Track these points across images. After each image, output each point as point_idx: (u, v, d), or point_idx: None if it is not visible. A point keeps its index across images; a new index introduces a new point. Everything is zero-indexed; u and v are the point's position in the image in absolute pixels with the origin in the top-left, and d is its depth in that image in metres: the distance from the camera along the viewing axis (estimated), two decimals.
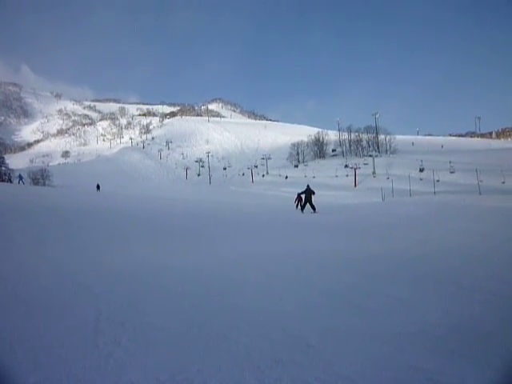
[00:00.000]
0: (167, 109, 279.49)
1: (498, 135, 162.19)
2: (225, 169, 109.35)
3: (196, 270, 8.74)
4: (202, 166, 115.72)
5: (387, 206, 29.24)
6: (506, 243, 11.87)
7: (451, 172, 45.86)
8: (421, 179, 41.59)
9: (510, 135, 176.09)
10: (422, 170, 50.07)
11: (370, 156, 67.76)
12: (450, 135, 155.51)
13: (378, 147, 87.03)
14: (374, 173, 61.69)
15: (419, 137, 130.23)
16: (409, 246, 12.56)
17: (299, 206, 25.60)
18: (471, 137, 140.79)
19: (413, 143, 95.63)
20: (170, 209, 26.86)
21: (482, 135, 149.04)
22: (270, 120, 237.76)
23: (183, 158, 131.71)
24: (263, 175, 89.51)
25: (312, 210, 22.95)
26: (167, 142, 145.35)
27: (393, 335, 4.82)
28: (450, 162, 48.66)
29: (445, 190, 35.37)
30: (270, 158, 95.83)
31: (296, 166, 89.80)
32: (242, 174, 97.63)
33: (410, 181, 36.57)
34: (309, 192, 23.72)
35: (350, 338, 4.76)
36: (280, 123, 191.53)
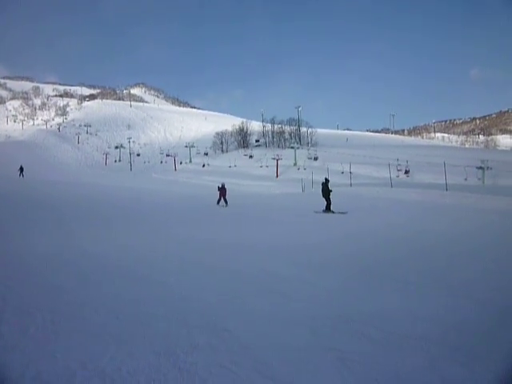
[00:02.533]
0: (86, 91, 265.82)
1: (410, 133, 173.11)
2: (143, 157, 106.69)
3: (120, 258, 8.54)
4: (124, 148, 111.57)
5: (306, 197, 30.16)
6: (416, 234, 12.79)
7: (364, 165, 48.14)
8: (342, 173, 43.18)
9: (420, 133, 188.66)
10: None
11: (292, 148, 69.34)
12: (367, 131, 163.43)
13: (300, 139, 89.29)
14: (295, 164, 63.34)
15: (339, 131, 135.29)
16: (322, 235, 13.12)
17: (222, 201, 22.18)
18: (386, 133, 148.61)
19: (347, 139, 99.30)
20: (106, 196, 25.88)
21: (396, 132, 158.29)
22: (195, 107, 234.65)
23: (103, 143, 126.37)
24: (186, 163, 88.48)
25: (326, 209, 19.41)
26: (86, 126, 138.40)
27: (308, 318, 5.03)
28: (365, 156, 51.39)
29: (360, 183, 37.13)
30: (193, 146, 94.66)
31: (220, 154, 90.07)
32: (165, 161, 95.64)
33: (329, 173, 37.96)
34: (325, 188, 19.80)
35: (267, 322, 4.91)
36: (205, 111, 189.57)
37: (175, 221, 16.12)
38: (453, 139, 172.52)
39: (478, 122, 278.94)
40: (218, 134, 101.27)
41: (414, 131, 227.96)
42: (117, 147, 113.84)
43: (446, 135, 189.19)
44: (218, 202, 22.20)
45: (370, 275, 7.48)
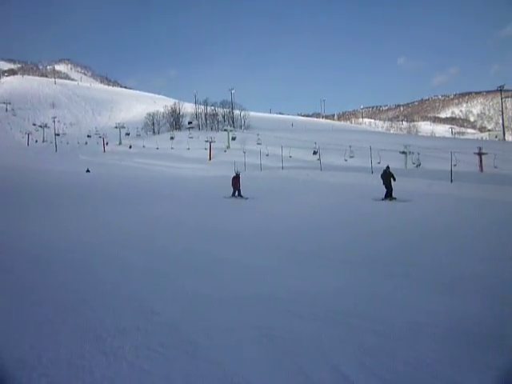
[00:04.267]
0: (5, 65, 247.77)
1: (340, 117, 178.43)
2: (70, 137, 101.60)
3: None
4: (48, 128, 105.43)
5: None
6: (340, 216, 13.32)
7: (293, 149, 48.90)
8: (267, 155, 43.47)
9: (349, 118, 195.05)
10: (315, 153, 51.84)
11: (225, 130, 69.12)
12: (299, 115, 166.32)
13: (233, 122, 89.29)
14: (228, 147, 63.25)
15: (272, 115, 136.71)
16: (259, 218, 13.33)
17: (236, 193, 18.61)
18: (317, 117, 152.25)
19: (292, 124, 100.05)
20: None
21: (326, 116, 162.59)
22: (126, 87, 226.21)
23: (24, 123, 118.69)
24: (116, 145, 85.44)
25: (386, 196, 17.72)
26: (5, 104, 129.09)
27: (238, 299, 5.11)
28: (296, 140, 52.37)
29: (292, 166, 37.82)
30: (123, 127, 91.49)
31: (152, 136, 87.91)
32: (96, 142, 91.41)
33: (261, 156, 38.30)
34: (388, 176, 17.99)
35: (197, 304, 4.93)
36: (136, 91, 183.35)
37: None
38: (379, 125, 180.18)
39: (402, 109, 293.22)
40: (149, 114, 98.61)
41: (344, 116, 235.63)
42: (40, 127, 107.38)
43: (372, 121, 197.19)
44: (234, 194, 18.41)
45: (299, 255, 7.72)
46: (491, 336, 4.11)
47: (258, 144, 53.52)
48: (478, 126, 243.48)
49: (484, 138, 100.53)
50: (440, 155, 33.24)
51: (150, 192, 21.54)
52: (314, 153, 47.49)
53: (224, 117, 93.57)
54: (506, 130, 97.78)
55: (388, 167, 18.63)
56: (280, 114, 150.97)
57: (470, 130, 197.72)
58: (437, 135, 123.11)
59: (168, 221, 12.14)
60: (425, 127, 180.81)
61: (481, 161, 37.39)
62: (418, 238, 9.82)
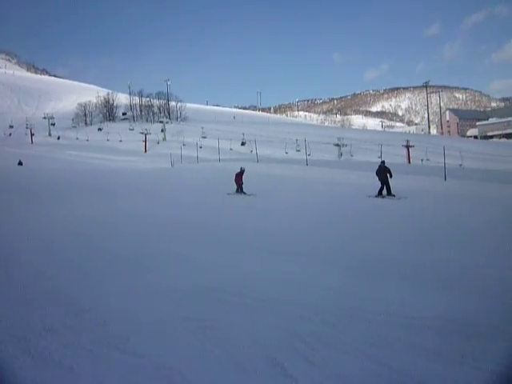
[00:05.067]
0: None
1: (276, 110, 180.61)
2: None
3: None
4: None
5: (176, 172, 29.93)
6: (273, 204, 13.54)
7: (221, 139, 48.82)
8: (200, 147, 42.85)
9: (284, 111, 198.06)
10: (243, 144, 51.73)
11: (161, 122, 67.77)
12: (236, 107, 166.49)
13: (169, 114, 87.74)
14: (164, 139, 62.09)
15: (209, 107, 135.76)
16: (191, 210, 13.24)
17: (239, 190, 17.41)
18: (253, 110, 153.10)
19: (234, 117, 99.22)
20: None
21: (263, 109, 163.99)
22: (55, 76, 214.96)
23: None
24: (45, 136, 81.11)
25: (380, 193, 16.34)
26: None
27: (169, 291, 5.05)
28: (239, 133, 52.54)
29: (230, 158, 37.82)
30: (52, 118, 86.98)
31: (84, 127, 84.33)
32: (25, 133, 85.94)
33: (198, 148, 38.05)
34: (384, 171, 16.60)
35: (128, 298, 4.82)
36: (66, 80, 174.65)
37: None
38: (314, 118, 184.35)
39: (335, 102, 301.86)
40: (80, 105, 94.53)
41: (280, 109, 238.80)
42: None
43: (308, 114, 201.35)
44: (238, 191, 17.30)
45: (233, 245, 7.77)
46: (415, 318, 4.36)
47: (203, 137, 52.95)
48: (406, 119, 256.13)
49: (411, 132, 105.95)
50: (371, 147, 34.68)
51: (97, 185, 20.69)
52: (242, 144, 47.96)
53: (160, 108, 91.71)
54: (430, 123, 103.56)
55: (383, 162, 17.39)
56: (217, 105, 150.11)
57: (398, 124, 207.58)
58: (368, 128, 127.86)
59: (108, 217, 11.75)
60: (357, 120, 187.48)
61: (408, 153, 39.37)
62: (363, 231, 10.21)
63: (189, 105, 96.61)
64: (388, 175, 16.41)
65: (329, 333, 3.95)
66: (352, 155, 39.67)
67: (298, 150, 41.14)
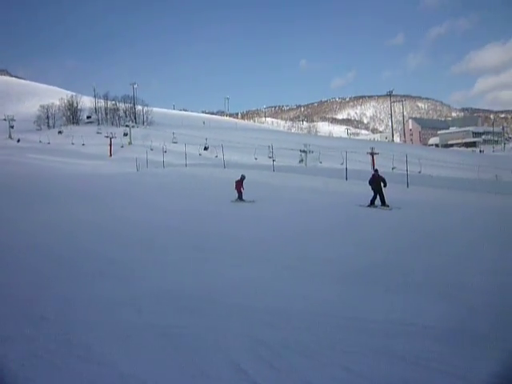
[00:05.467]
0: None
1: (243, 116, 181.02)
2: None
3: None
4: None
5: (141, 177, 29.52)
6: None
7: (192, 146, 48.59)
8: (165, 151, 42.24)
9: (252, 117, 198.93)
10: (206, 148, 51.44)
11: (127, 126, 66.81)
12: (203, 112, 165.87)
13: (136, 118, 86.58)
14: (130, 143, 61.20)
15: (175, 111, 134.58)
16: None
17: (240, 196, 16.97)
18: (221, 115, 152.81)
19: (204, 122, 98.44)
20: None
21: (230, 115, 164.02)
22: (16, 77, 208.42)
23: None
24: (6, 139, 78.40)
25: (372, 203, 15.43)
26: None
27: (135, 298, 4.98)
28: (207, 139, 52.50)
29: (197, 163, 37.58)
30: (13, 120, 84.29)
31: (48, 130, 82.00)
32: None
33: (164, 153, 37.67)
34: (377, 180, 15.60)
35: (91, 305, 4.73)
36: (28, 81, 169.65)
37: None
38: (281, 124, 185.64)
39: (302, 109, 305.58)
40: (43, 107, 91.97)
41: (247, 115, 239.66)
42: None
43: (275, 120, 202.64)
44: (240, 198, 16.93)
45: (198, 251, 7.73)
46: (356, 319, 4.45)
47: (174, 143, 52.35)
48: (370, 127, 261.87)
49: (376, 139, 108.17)
50: (337, 154, 35.18)
51: (59, 190, 20.11)
52: (205, 148, 47.90)
53: (126, 112, 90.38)
54: (394, 132, 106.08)
55: (376, 171, 16.52)
56: (184, 110, 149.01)
57: (363, 131, 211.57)
58: (334, 135, 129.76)
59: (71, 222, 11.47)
60: (323, 127, 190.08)
61: (373, 160, 40.14)
62: (316, 232, 10.33)
63: (155, 109, 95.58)
64: (382, 184, 15.44)
65: (296, 339, 3.97)
66: (321, 162, 40.15)
67: (270, 157, 41.43)
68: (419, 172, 30.91)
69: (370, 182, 15.70)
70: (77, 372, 3.23)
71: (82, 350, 3.60)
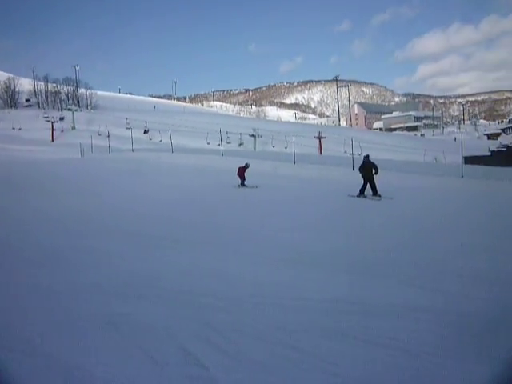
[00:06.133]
0: None
1: (191, 100, 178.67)
2: None
3: None
4: None
5: (87, 163, 28.60)
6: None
7: (145, 131, 47.60)
8: (108, 136, 40.86)
9: (200, 101, 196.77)
10: (146, 132, 50.18)
11: (70, 110, 64.27)
12: (150, 96, 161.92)
13: (79, 101, 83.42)
14: (73, 128, 58.94)
15: (120, 94, 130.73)
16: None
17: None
18: (168, 99, 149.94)
19: (154, 107, 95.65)
20: None
21: (178, 99, 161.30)
22: None
23: None
24: None
25: (373, 195, 13.91)
26: None
27: (80, 288, 4.89)
28: (146, 122, 51.41)
29: (143, 148, 36.78)
30: None
31: None
32: None
33: (110, 138, 36.57)
34: (368, 167, 14.14)
35: (35, 295, 4.62)
36: None
37: None
38: (230, 108, 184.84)
39: (251, 93, 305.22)
40: None
41: (195, 98, 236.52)
42: None
43: (223, 104, 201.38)
44: (242, 184, 16.95)
45: (146, 238, 7.66)
46: (305, 299, 4.61)
47: (128, 129, 50.56)
48: (318, 112, 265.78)
49: (323, 124, 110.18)
50: (285, 138, 35.58)
51: None
52: (145, 132, 46.99)
53: (68, 95, 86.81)
54: (340, 116, 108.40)
55: (367, 156, 14.82)
56: (130, 94, 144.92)
57: (311, 116, 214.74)
58: (282, 120, 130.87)
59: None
60: (272, 112, 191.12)
61: (320, 144, 40.96)
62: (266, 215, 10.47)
63: (100, 92, 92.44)
64: (373, 171, 13.93)
65: (245, 322, 4.06)
66: (274, 146, 40.45)
67: (229, 143, 41.50)
68: (359, 154, 31.84)
69: (361, 169, 14.37)
70: (22, 366, 3.13)
71: (25, 344, 3.47)
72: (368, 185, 13.85)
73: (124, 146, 36.83)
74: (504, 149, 39.73)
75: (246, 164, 17.38)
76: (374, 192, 13.80)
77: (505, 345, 3.57)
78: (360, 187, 13.87)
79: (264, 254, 6.79)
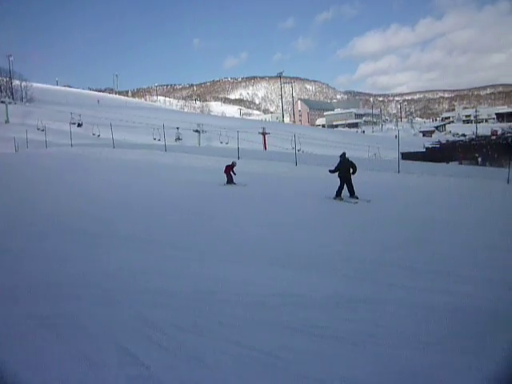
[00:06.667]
0: None
1: (134, 94, 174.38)
2: None
3: None
4: None
5: (22, 159, 27.18)
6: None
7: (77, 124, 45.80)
8: (42, 130, 38.83)
9: (143, 95, 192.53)
10: (79, 125, 48.01)
11: (3, 102, 60.82)
12: (90, 89, 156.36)
13: (12, 94, 79.03)
14: (6, 121, 55.83)
15: (58, 87, 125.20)
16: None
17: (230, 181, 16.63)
18: (110, 93, 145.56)
19: (98, 101, 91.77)
20: None
21: (120, 93, 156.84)
22: None
23: None
24: None
25: (350, 196, 12.68)
26: None
27: (8, 289, 4.65)
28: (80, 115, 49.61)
29: (83, 143, 35.48)
30: None
31: None
32: None
33: (47, 132, 34.88)
34: (346, 166, 12.79)
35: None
36: None
37: None
38: (173, 103, 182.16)
39: (195, 88, 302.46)
40: None
41: (138, 93, 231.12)
42: None
43: (167, 99, 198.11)
44: (229, 181, 16.69)
45: (86, 236, 7.41)
46: (247, 294, 4.66)
47: (73, 124, 48.13)
48: (262, 108, 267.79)
49: (267, 120, 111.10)
50: (227, 134, 35.63)
51: None
52: (79, 125, 45.52)
53: (1, 87, 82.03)
54: (284, 112, 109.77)
55: (344, 154, 13.29)
56: (68, 86, 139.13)
57: (255, 112, 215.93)
58: (227, 115, 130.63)
59: None
60: (216, 107, 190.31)
61: (264, 140, 41.30)
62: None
63: (36, 84, 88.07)
64: (351, 171, 12.71)
65: (186, 318, 4.01)
66: (227, 142, 40.06)
67: (181, 139, 41.02)
68: (298, 150, 32.44)
69: (337, 168, 12.87)
70: None
71: None
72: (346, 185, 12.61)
73: (62, 141, 35.32)
74: (437, 145, 41.93)
75: (233, 162, 17.39)
76: (351, 193, 12.65)
77: (435, 330, 3.79)
78: (337, 189, 12.63)
79: (207, 250, 6.76)
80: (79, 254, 6.29)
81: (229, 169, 17.01)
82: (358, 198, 12.49)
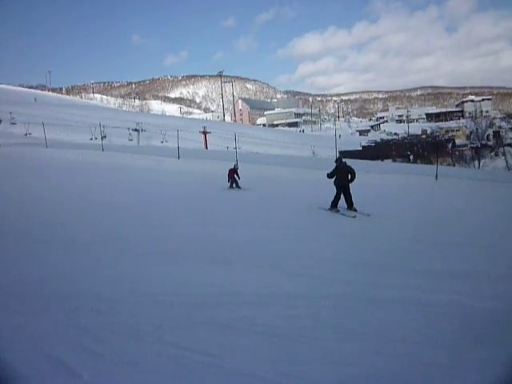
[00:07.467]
0: None
1: (68, 91, 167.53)
2: None
3: None
4: None
5: None
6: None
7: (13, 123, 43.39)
8: None
9: (79, 93, 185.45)
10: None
11: None
12: (21, 86, 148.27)
13: None
14: None
15: None
16: None
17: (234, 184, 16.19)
18: (42, 90, 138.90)
19: (35, 99, 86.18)
20: None
21: (54, 90, 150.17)
22: None
23: None
24: None
25: (334, 205, 10.96)
26: None
27: None
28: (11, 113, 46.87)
29: (14, 143, 33.58)
30: None
31: None
32: None
33: None
34: (343, 172, 11.04)
35: None
36: None
37: None
38: (111, 101, 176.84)
39: (134, 86, 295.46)
40: None
41: (73, 90, 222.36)
42: None
43: (104, 97, 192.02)
44: (231, 186, 16.30)
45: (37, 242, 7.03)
46: (189, 295, 4.61)
47: (13, 124, 44.91)
48: (203, 106, 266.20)
49: (208, 119, 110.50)
50: (166, 133, 35.10)
51: None
52: (13, 123, 43.51)
53: None
54: (225, 111, 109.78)
55: (340, 159, 11.68)
56: None
57: (196, 111, 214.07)
58: (167, 114, 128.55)
59: None
60: (156, 106, 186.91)
61: (205, 139, 41.01)
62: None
63: None
64: (349, 177, 10.96)
65: (123, 323, 3.88)
66: (167, 141, 39.26)
67: (131, 139, 39.83)
68: (239, 148, 32.64)
69: (332, 174, 11.24)
70: None
71: None
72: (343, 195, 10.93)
73: None
74: (373, 144, 43.64)
75: (235, 166, 17.18)
76: (349, 204, 10.89)
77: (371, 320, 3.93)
78: (333, 198, 10.95)
79: (137, 250, 6.62)
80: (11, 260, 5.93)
81: (232, 173, 16.82)
82: (356, 210, 10.70)
